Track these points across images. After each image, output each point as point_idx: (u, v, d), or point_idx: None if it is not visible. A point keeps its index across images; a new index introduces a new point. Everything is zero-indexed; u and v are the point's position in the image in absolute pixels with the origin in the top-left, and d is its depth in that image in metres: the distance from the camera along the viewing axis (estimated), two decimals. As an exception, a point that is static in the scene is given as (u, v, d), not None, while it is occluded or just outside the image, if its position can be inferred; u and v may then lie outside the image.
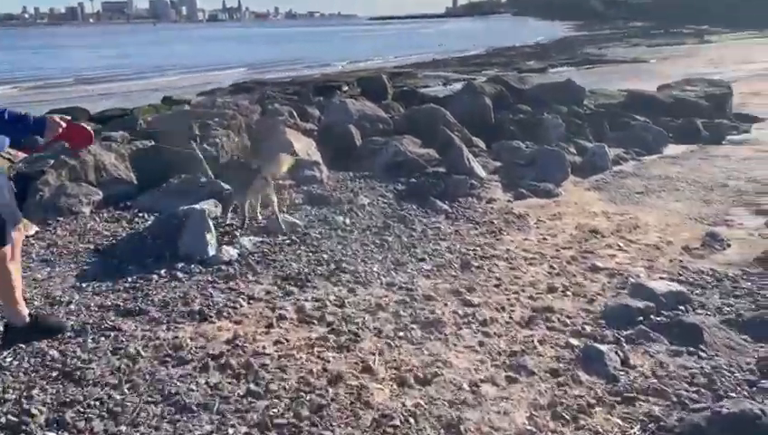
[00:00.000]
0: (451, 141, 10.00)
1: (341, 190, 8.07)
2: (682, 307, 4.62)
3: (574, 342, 4.11)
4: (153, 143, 9.23)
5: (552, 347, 4.08)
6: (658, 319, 4.44)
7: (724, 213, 7.22)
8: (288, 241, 6.15)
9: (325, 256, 5.75)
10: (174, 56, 51.85)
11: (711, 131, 11.98)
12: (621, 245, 6.26)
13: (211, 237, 5.61)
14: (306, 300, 4.74)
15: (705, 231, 6.57)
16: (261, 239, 6.16)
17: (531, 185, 8.53)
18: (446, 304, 4.74)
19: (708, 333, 4.13)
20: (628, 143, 10.86)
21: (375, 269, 5.44)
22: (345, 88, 24.14)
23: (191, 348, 3.93)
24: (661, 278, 5.29)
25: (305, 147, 9.37)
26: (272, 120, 10.49)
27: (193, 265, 5.34)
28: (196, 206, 5.94)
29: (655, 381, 3.63)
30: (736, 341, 4.10)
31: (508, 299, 4.88)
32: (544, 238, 6.52)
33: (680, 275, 5.40)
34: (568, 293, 5.02)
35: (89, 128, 4.21)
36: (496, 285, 5.18)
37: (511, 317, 4.55)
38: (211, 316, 4.39)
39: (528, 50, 44.99)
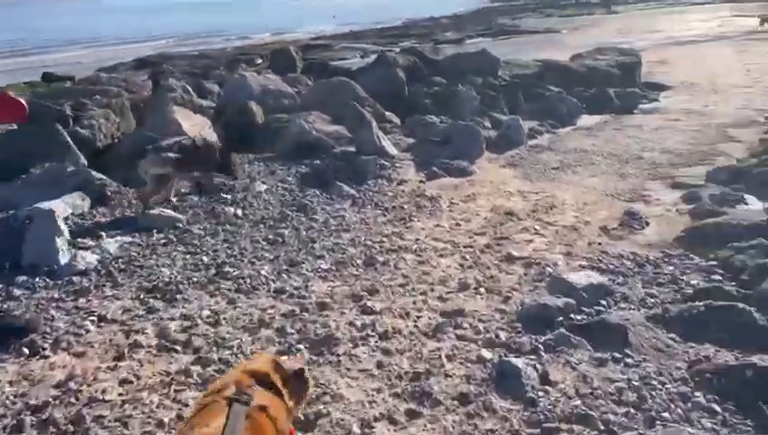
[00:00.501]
0: (362, 117, 9.24)
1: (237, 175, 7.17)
2: (604, 302, 4.12)
3: (487, 354, 3.51)
4: (16, 127, 7.94)
5: (461, 363, 3.44)
6: (579, 317, 3.91)
7: (641, 187, 6.87)
8: (164, 240, 5.25)
9: (206, 258, 4.90)
10: (83, 28, 47.93)
11: (623, 101, 11.79)
12: (538, 228, 5.74)
13: (62, 243, 4.63)
14: (172, 318, 3.91)
15: (623, 208, 6.18)
16: (131, 239, 5.23)
17: (444, 163, 7.92)
18: (342, 314, 4.03)
19: (633, 334, 3.63)
20: (543, 115, 10.46)
21: (264, 272, 4.65)
22: (259, 61, 22.81)
23: (6, 397, 3.04)
24: (581, 266, 4.80)
25: (198, 127, 8.34)
26: (160, 98, 9.34)
27: (38, 279, 4.36)
28: (43, 204, 4.91)
29: (579, 402, 3.07)
30: (664, 341, 3.62)
31: (414, 302, 4.22)
32: (457, 224, 5.91)
33: (600, 261, 4.92)
34: (481, 289, 4.42)
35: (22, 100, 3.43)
36: (402, 285, 4.51)
37: (416, 325, 3.89)
38: (44, 349, 3.49)
39: (445, 21, 44.55)
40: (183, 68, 20.47)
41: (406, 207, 6.41)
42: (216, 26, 46.25)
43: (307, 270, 4.74)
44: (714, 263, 4.69)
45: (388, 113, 11.04)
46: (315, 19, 50.92)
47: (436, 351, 3.56)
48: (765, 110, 10.83)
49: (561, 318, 3.87)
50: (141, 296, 4.23)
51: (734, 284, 4.26)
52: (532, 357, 3.45)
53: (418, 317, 4.00)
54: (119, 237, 5.21)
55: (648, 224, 5.73)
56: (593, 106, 11.45)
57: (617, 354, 3.47)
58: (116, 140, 8.31)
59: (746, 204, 5.99)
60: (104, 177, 6.84)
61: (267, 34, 39.67)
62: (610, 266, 4.80)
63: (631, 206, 6.26)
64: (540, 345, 3.57)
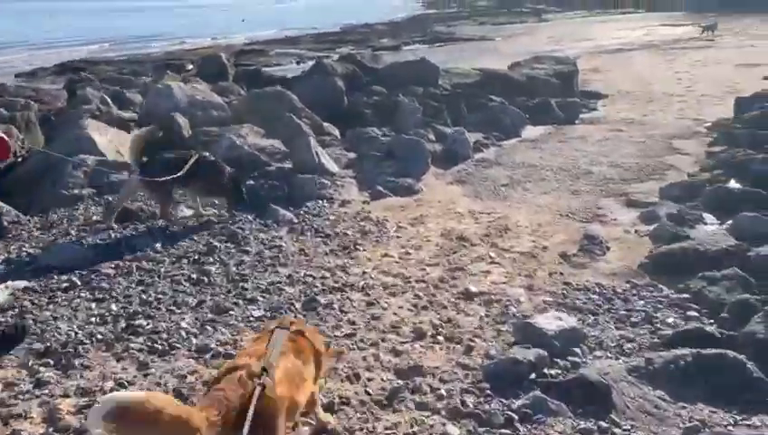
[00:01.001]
0: (299, 131, 8.56)
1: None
2: (578, 350, 3.61)
3: (454, 431, 2.92)
4: None
5: (424, 448, 2.84)
6: (554, 373, 3.38)
7: (595, 206, 6.48)
8: (66, 284, 4.41)
9: (115, 306, 4.10)
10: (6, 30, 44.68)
11: (564, 111, 11.56)
12: (494, 255, 5.23)
13: (-70, 297, 3.75)
14: (66, 395, 3.12)
15: (580, 230, 5.77)
16: (25, 284, 4.37)
17: (389, 181, 7.34)
18: (278, 378, 3.35)
19: (617, 393, 3.12)
20: (487, 127, 10.05)
21: (184, 324, 3.90)
22: (189, 67, 21.62)
23: None
24: (545, 303, 4.30)
25: (114, 143, 7.45)
26: (74, 111, 8.36)
27: None
28: None
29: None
30: (652, 401, 3.14)
31: (365, 358, 3.58)
32: (407, 253, 5.31)
33: (565, 296, 4.43)
34: (439, 337, 3.84)
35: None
36: (349, 335, 3.87)
37: (368, 391, 3.26)
38: None
39: (381, 27, 44.19)
40: (108, 74, 19.09)
41: (350, 232, 5.77)
42: (154, 30, 44.21)
43: (237, 319, 4.02)
44: (686, 296, 4.29)
45: (326, 125, 10.39)
46: (254, 24, 49.58)
47: (393, 429, 2.94)
48: (703, 120, 10.84)
49: (534, 375, 3.33)
50: (30, 363, 3.42)
51: (713, 323, 3.86)
52: (507, 433, 2.88)
53: (370, 380, 3.36)
54: (10, 282, 4.34)
55: (608, 249, 5.31)
56: (536, 116, 11.16)
57: (603, 423, 2.95)
58: (19, 160, 7.30)
59: (705, 223, 5.68)
60: (1, 203, 5.90)
61: (208, 39, 38.13)
62: (577, 302, 4.32)
63: (588, 227, 5.85)
64: (514, 415, 3.01)
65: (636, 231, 5.70)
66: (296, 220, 6.02)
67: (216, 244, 5.32)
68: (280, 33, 41.91)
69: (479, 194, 7.05)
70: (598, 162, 8.10)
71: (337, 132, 10.40)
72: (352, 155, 8.56)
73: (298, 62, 26.33)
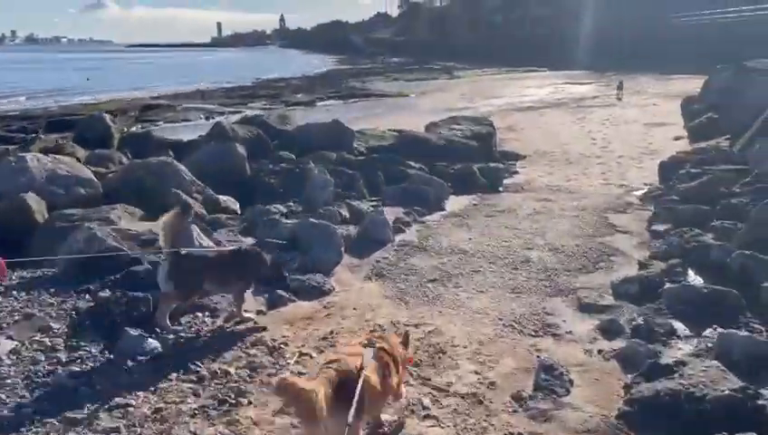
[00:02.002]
0: (185, 211, 6.94)
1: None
2: None
3: None
4: None
5: None
6: None
7: (542, 310, 5.25)
8: None
9: None
10: None
11: (487, 177, 10.55)
12: (428, 403, 3.82)
13: None
14: None
15: (531, 350, 4.49)
16: None
17: (293, 279, 5.84)
18: None
19: None
20: (408, 199, 8.79)
21: None
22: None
23: None
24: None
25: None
26: None
27: None
28: None
29: None
30: None
31: None
32: (309, 404, 3.81)
33: (533, 483, 3.07)
34: None
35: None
36: None
37: None
38: None
39: (296, 82, 43.30)
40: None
41: (233, 370, 4.20)
42: (72, 83, 41.13)
43: None
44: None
45: (224, 199, 8.83)
46: (166, 77, 47.30)
47: None
48: (629, 186, 10.15)
49: None
50: None
51: None
52: None
53: None
54: None
55: (571, 383, 4.03)
56: (459, 185, 10.06)
57: None
58: None
59: (679, 337, 4.55)
60: None
61: (112, 93, 35.55)
62: (551, 497, 2.95)
63: (540, 344, 4.59)
64: None
65: (599, 351, 4.46)
66: (155, 354, 4.37)
67: (33, 412, 3.59)
68: (191, 86, 40.06)
69: (404, 295, 5.67)
70: (534, 245, 6.97)
71: (236, 205, 8.87)
72: (250, 240, 7.02)
73: (207, 118, 24.65)
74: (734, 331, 4.19)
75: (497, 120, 18.33)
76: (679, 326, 4.65)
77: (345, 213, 8.05)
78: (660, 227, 6.98)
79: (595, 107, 21.60)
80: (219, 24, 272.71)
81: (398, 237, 7.32)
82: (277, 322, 5.09)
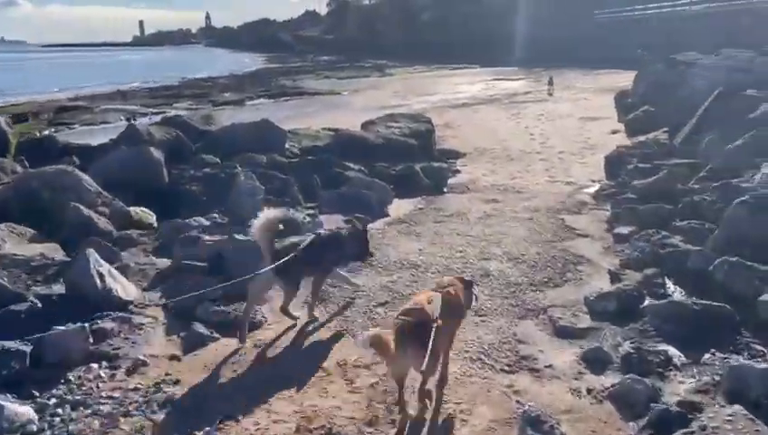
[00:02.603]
0: (83, 233, 5.78)
1: None
2: None
3: None
4: None
5: None
6: None
7: (514, 338, 4.45)
8: None
9: None
10: None
11: (431, 177, 9.75)
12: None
13: None
14: None
15: (508, 394, 3.68)
16: None
17: (216, 311, 4.83)
18: None
19: None
20: (348, 205, 7.84)
21: None
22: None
23: None
24: None
25: None
26: None
27: None
28: None
29: None
30: None
31: None
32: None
33: None
34: None
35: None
36: None
37: None
38: None
39: (224, 81, 41.36)
40: None
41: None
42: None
43: None
44: None
45: (137, 211, 7.63)
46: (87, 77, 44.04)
47: None
48: (577, 183, 9.60)
49: None
50: None
51: None
52: None
53: None
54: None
55: (564, 436, 3.24)
56: (402, 187, 9.21)
57: None
58: None
59: (676, 366, 3.84)
60: None
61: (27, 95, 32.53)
62: None
63: (517, 384, 3.79)
64: None
65: (589, 391, 3.69)
66: (36, 428, 3.27)
67: None
68: (112, 86, 37.42)
69: (349, 324, 4.74)
70: (491, 254, 6.18)
71: (153, 219, 7.69)
72: (167, 261, 5.90)
73: (129, 119, 22.78)
74: (748, 362, 3.52)
75: (434, 118, 17.64)
76: (673, 352, 3.95)
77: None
78: (623, 230, 6.35)
79: (528, 102, 21.34)
80: (141, 23, 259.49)
81: (340, 251, 6.37)
82: (195, 369, 4.06)
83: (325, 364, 4.10)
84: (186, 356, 4.25)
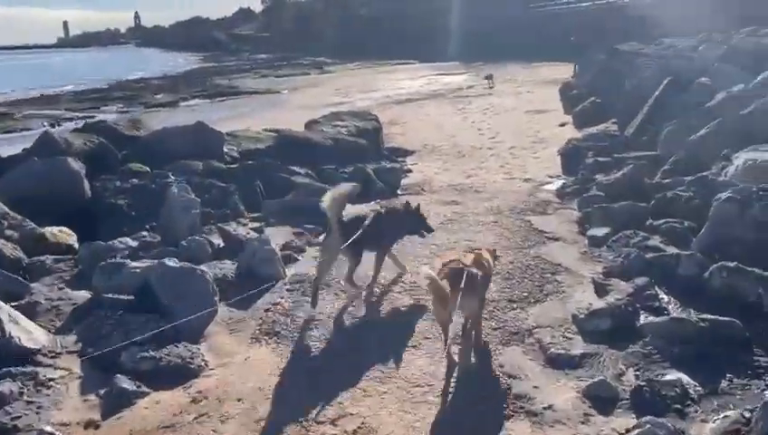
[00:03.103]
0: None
1: None
2: None
3: None
4: None
5: None
6: None
7: (502, 370, 3.79)
8: None
9: None
10: None
11: (385, 180, 9.06)
12: None
13: None
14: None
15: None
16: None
17: (144, 357, 3.96)
18: None
19: None
20: (297, 216, 7.06)
21: None
22: None
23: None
24: None
25: None
26: None
27: None
28: None
29: None
30: None
31: None
32: None
33: None
34: None
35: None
36: None
37: None
38: None
39: (157, 82, 39.31)
40: None
41: None
42: None
43: None
44: None
45: (53, 231, 6.59)
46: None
47: None
48: (535, 180, 9.11)
49: None
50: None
51: None
52: None
53: None
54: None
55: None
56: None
57: None
58: None
59: (693, 400, 3.28)
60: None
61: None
62: None
63: (515, 433, 3.13)
64: None
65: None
66: None
67: None
68: (36, 90, 34.82)
69: (308, 363, 3.98)
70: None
71: (74, 240, 6.67)
72: (86, 294, 4.95)
73: (53, 125, 21.03)
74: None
75: (378, 115, 17.04)
76: (687, 381, 3.39)
77: (218, 241, 6.15)
78: (598, 232, 5.83)
79: (472, 97, 20.95)
80: (66, 23, 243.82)
81: (291, 270, 5.58)
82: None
83: (280, 418, 3.32)
84: (106, 421, 3.39)
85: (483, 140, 13.30)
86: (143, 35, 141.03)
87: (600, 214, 6.11)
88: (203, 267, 4.85)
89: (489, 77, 22.56)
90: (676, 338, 3.71)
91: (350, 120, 12.93)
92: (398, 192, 8.94)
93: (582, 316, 4.18)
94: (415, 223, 5.11)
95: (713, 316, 3.77)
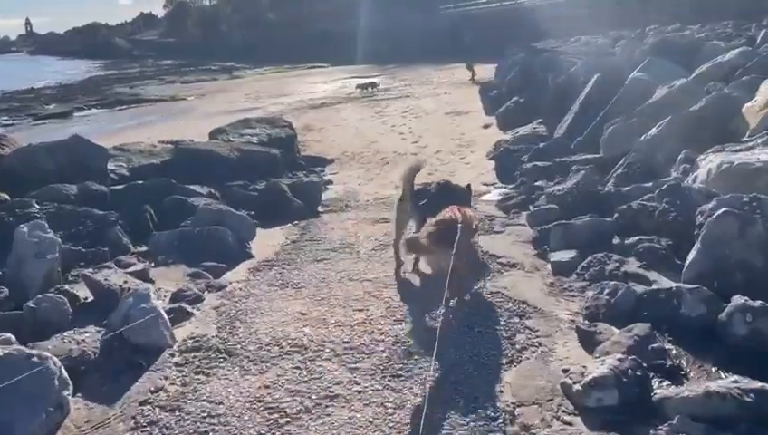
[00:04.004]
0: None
1: None
2: None
3: None
4: None
5: None
6: None
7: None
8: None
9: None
10: None
11: (303, 196, 7.65)
12: None
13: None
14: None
15: None
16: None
17: None
18: None
19: None
20: (193, 250, 5.54)
21: None
22: None
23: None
24: None
25: None
26: None
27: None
28: None
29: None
30: None
31: None
32: None
33: None
34: None
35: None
36: None
37: None
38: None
39: (49, 92, 35.51)
40: None
41: None
42: None
43: None
44: None
45: None
46: None
47: None
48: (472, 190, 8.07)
49: None
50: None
51: None
52: None
53: None
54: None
55: None
56: (266, 213, 7.04)
57: None
58: None
59: None
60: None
61: None
62: None
63: None
64: None
65: None
66: None
67: None
68: None
69: None
70: (405, 314, 4.28)
71: None
72: None
73: None
74: None
75: (292, 120, 15.58)
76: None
77: (85, 295, 4.56)
78: (562, 256, 4.77)
79: (389, 99, 19.91)
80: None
81: (181, 332, 4.11)
82: None
83: None
84: None
85: (406, 144, 12.20)
86: (36, 43, 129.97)
87: (560, 233, 5.06)
88: (45, 352, 3.29)
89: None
90: (713, 420, 2.65)
91: (261, 128, 11.44)
92: (319, 209, 7.60)
93: (578, 387, 3.05)
94: (464, 195, 5.30)
95: (759, 384, 2.73)
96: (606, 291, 3.83)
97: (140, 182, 7.53)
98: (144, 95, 30.12)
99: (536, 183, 7.10)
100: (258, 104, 21.96)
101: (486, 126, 13.12)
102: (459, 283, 3.93)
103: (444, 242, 3.83)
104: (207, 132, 11.44)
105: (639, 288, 3.83)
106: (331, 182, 9.42)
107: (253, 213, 6.94)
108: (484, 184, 8.20)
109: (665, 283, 3.97)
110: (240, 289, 4.86)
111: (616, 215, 5.17)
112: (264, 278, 5.12)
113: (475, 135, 12.35)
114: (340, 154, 11.79)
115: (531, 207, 6.13)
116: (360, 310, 4.32)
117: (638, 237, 4.67)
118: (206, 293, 4.77)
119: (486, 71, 20.54)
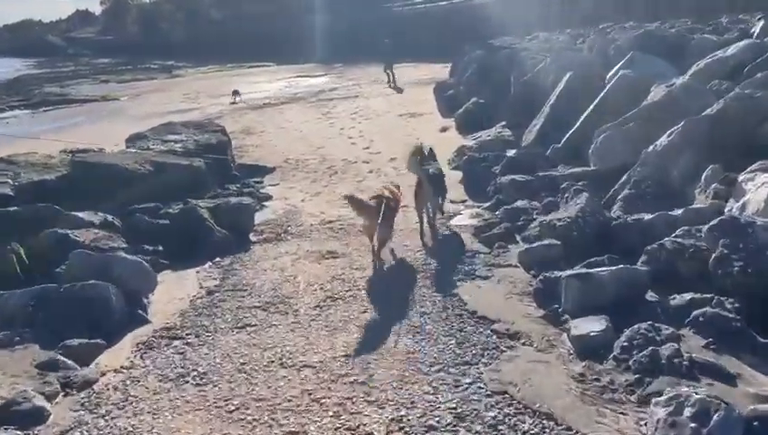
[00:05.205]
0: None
1: None
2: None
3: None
4: None
5: None
6: None
7: None
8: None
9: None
10: None
11: (229, 223, 5.87)
12: None
13: None
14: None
15: None
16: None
17: None
18: None
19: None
20: (60, 320, 3.73)
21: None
22: None
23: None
24: None
25: None
26: None
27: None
28: None
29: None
30: None
31: None
32: None
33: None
34: None
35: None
36: None
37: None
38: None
39: (-34, 92, 31.81)
40: None
41: None
42: None
43: None
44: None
45: None
46: None
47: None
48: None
49: None
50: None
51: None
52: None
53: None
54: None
55: None
56: (177, 249, 5.25)
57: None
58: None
59: None
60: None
61: None
62: None
63: None
64: None
65: None
66: None
67: None
68: None
69: None
70: (372, 427, 2.67)
71: None
72: None
73: None
74: None
75: (230, 123, 13.65)
76: None
77: None
78: (587, 328, 3.21)
79: (336, 99, 18.16)
80: None
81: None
82: None
83: None
84: None
85: (356, 151, 10.55)
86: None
87: (578, 287, 3.54)
88: None
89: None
90: None
91: (188, 133, 9.51)
92: (251, 237, 5.87)
93: None
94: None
95: None
96: (688, 412, 2.30)
97: (13, 208, 5.57)
98: (74, 95, 27.26)
99: (517, 203, 5.61)
100: (196, 105, 19.86)
101: (444, 129, 11.62)
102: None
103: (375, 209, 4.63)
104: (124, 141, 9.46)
105: (743, 405, 2.33)
106: (269, 198, 7.72)
107: (161, 249, 5.15)
108: (452, 202, 6.64)
109: (761, 380, 2.49)
110: (115, 388, 3.11)
111: (644, 257, 3.70)
112: (156, 364, 3.36)
113: (433, 140, 10.75)
114: (283, 162, 10.05)
115: (519, 239, 4.60)
116: (291, 432, 2.64)
117: (688, 296, 3.21)
118: (56, 399, 2.99)
119: (436, 71, 19.13)
